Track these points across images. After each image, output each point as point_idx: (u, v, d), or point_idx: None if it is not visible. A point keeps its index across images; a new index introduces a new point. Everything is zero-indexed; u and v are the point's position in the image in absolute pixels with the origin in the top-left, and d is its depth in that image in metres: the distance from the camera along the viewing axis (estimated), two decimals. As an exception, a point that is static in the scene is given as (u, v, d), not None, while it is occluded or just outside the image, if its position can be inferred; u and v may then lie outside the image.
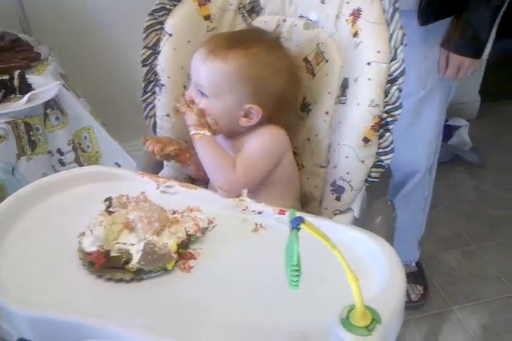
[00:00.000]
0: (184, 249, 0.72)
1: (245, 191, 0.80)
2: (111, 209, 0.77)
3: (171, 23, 0.89)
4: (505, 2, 1.08)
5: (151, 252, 0.68)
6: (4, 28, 1.58)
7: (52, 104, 1.32)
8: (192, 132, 0.83)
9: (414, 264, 1.57)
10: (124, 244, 0.70)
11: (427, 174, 1.37)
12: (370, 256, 0.68)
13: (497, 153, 2.22)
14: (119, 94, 1.93)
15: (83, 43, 1.82)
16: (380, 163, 0.82)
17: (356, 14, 0.81)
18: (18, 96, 1.28)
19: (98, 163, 1.49)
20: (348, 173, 0.83)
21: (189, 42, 0.90)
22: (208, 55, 0.82)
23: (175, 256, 0.69)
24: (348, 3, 0.84)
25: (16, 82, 1.29)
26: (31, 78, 1.32)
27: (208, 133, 0.83)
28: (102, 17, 1.80)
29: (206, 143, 0.83)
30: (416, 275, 1.59)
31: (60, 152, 1.37)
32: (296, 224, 0.47)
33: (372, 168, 0.82)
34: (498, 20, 1.09)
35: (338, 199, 0.85)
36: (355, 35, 0.81)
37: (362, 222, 0.87)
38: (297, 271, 0.49)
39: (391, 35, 0.77)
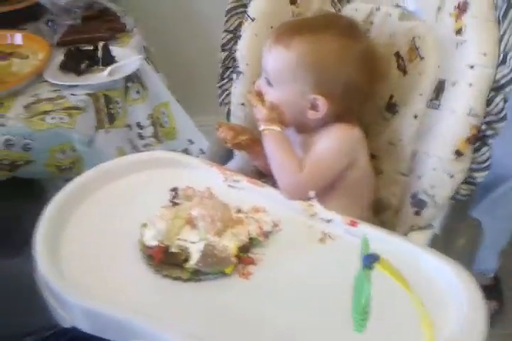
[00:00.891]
0: (244, 253, 0.69)
1: (313, 194, 0.76)
2: (176, 201, 0.76)
3: (255, 7, 0.84)
4: None
5: (211, 254, 0.66)
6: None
7: (134, 78, 1.33)
8: (261, 127, 0.79)
9: (491, 276, 1.46)
10: (185, 240, 0.68)
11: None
12: (448, 289, 0.61)
13: None
14: (197, 69, 1.92)
15: (168, 15, 1.81)
16: (471, 180, 0.74)
17: (462, 8, 0.71)
18: (100, 67, 1.29)
19: (174, 138, 1.50)
20: (433, 187, 0.75)
21: (272, 28, 0.85)
22: (274, 41, 0.78)
23: (234, 260, 0.67)
24: (453, -7, 0.73)
25: (99, 53, 1.30)
26: (115, 50, 1.33)
27: (277, 128, 0.79)
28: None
29: (275, 139, 0.79)
30: (491, 289, 1.47)
31: (139, 126, 1.38)
32: (369, 262, 0.42)
33: (462, 184, 0.74)
34: None
35: (417, 213, 0.78)
36: (459, 32, 0.71)
37: (443, 239, 0.80)
38: (365, 313, 0.44)
39: (502, 36, 0.67)
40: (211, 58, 1.84)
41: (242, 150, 0.89)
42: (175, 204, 0.75)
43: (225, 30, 0.87)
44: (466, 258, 0.79)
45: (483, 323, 0.57)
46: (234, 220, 0.71)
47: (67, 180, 1.19)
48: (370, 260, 0.43)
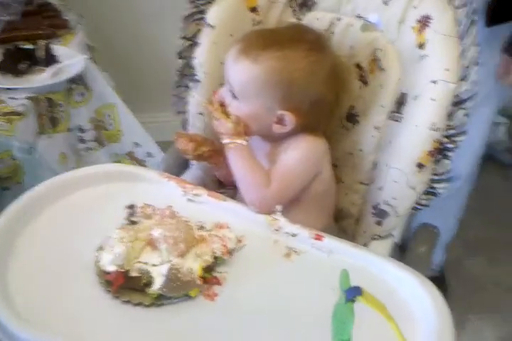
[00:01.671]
0: (209, 273, 0.66)
1: (279, 207, 0.74)
2: (133, 219, 0.72)
3: (213, 14, 0.81)
4: None
5: (175, 278, 0.62)
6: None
7: (77, 79, 1.26)
8: (226, 140, 0.76)
9: (439, 269, 1.52)
10: (146, 263, 0.65)
11: (466, 183, 1.29)
12: (415, 301, 0.62)
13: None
14: (144, 68, 1.86)
15: (111, 11, 1.73)
16: (432, 191, 0.75)
17: (424, 22, 0.71)
18: (41, 68, 1.21)
19: (119, 141, 1.44)
20: (394, 199, 0.76)
21: (231, 35, 0.82)
22: (240, 53, 0.75)
23: (199, 282, 0.64)
24: (415, 7, 0.74)
25: (40, 53, 1.22)
26: (57, 49, 1.25)
27: (243, 142, 0.76)
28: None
29: (240, 154, 0.77)
30: (436, 280, 1.53)
31: (80, 129, 1.32)
32: (352, 295, 0.40)
33: (423, 194, 0.75)
34: None
35: (379, 223, 0.79)
36: (421, 46, 0.71)
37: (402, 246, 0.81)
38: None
39: (463, 52, 0.68)
40: (155, 54, 1.81)
41: (203, 161, 0.86)
42: (132, 222, 0.71)
43: (183, 37, 0.83)
44: (425, 264, 0.80)
45: (451, 335, 0.58)
46: (197, 239, 0.68)
47: (5, 189, 1.14)
48: (353, 294, 0.42)
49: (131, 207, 0.73)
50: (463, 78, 0.68)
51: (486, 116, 1.15)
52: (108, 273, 0.63)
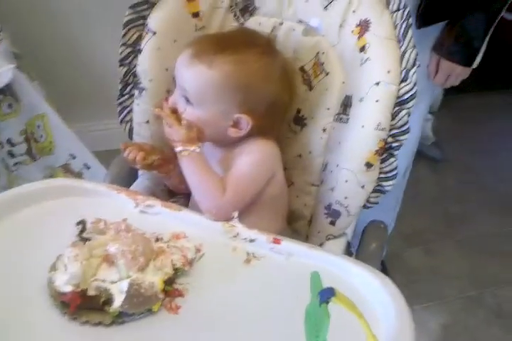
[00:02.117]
0: (170, 286, 0.65)
1: (236, 214, 0.74)
2: (84, 235, 0.69)
3: (155, 19, 0.79)
4: (502, 11, 1.04)
5: (137, 294, 0.60)
6: None
7: (5, 90, 1.19)
8: (179, 148, 0.75)
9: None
10: (103, 281, 0.62)
11: (403, 177, 1.35)
12: (375, 300, 0.63)
13: (459, 147, 2.25)
14: (77, 75, 1.79)
15: (37, 15, 1.65)
16: (380, 188, 0.77)
17: (364, 26, 0.74)
18: (-37, 80, 1.13)
19: (51, 153, 1.37)
20: (346, 198, 0.78)
21: (175, 41, 0.81)
22: (193, 58, 0.74)
23: (161, 296, 0.62)
24: (354, 12, 0.76)
25: (-39, 63, 1.14)
26: (-21, 58, 1.17)
27: (197, 149, 0.75)
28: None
29: (194, 161, 0.75)
30: (381, 273, 1.59)
31: (10, 143, 1.25)
32: (326, 297, 0.41)
33: (371, 193, 0.77)
34: (491, 30, 1.06)
35: (332, 223, 0.81)
36: (362, 49, 0.74)
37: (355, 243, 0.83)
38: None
39: (403, 54, 0.71)
40: (89, 60, 1.75)
41: (152, 171, 0.83)
42: (83, 239, 0.68)
43: (123, 44, 0.80)
44: (378, 260, 0.83)
45: (412, 334, 0.60)
46: (155, 251, 0.66)
47: None
48: (327, 296, 0.42)
49: (82, 222, 0.70)
50: (404, 79, 0.71)
51: (419, 114, 1.20)
52: (64, 293, 0.60)
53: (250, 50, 0.76)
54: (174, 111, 0.76)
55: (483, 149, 2.26)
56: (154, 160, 0.79)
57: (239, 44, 0.76)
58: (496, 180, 2.08)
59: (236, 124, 0.77)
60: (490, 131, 2.39)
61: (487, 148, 2.27)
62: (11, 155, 1.26)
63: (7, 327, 0.59)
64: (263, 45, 0.78)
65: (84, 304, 0.60)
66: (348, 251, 0.87)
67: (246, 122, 0.76)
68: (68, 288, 0.60)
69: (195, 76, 0.74)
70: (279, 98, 0.78)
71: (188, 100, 0.76)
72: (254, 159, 0.77)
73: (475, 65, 1.11)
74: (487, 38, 1.07)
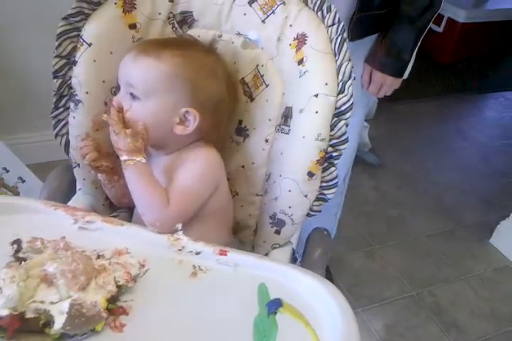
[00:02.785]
0: (114, 304, 0.63)
1: (180, 226, 0.73)
2: (20, 255, 0.66)
3: (90, 31, 0.77)
4: (429, 24, 1.10)
5: (79, 315, 0.58)
6: None
7: None
8: (123, 157, 0.73)
9: (323, 268, 1.61)
10: (42, 302, 0.60)
11: (343, 183, 1.39)
12: (322, 305, 0.64)
13: (394, 153, 2.35)
14: (9, 85, 1.71)
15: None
16: (322, 197, 0.79)
17: (301, 39, 0.76)
18: None
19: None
20: (290, 207, 0.79)
21: (112, 53, 0.79)
22: (139, 55, 0.74)
23: (105, 314, 0.60)
24: (291, 25, 0.78)
25: None
26: None
27: (143, 160, 0.73)
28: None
29: (139, 172, 0.73)
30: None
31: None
32: (274, 308, 0.41)
33: (314, 201, 0.79)
34: (419, 42, 1.11)
35: (277, 232, 0.82)
36: (300, 62, 0.76)
37: (298, 250, 0.85)
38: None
39: (339, 67, 0.73)
40: (9, 72, 1.67)
41: (97, 173, 0.81)
42: (19, 259, 0.65)
43: (57, 56, 0.77)
44: (322, 267, 0.84)
45: (357, 335, 0.62)
46: (97, 269, 0.64)
47: None
48: (274, 307, 0.43)
49: (17, 242, 0.67)
50: (341, 91, 0.73)
51: (356, 123, 1.24)
52: (0, 318, 0.57)
53: (195, 48, 0.78)
54: (120, 111, 0.74)
55: (417, 155, 2.37)
56: (103, 166, 0.77)
57: (183, 43, 0.79)
58: (428, 183, 2.19)
59: (182, 121, 0.76)
60: (422, 137, 2.51)
61: (420, 154, 2.39)
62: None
63: None
64: (205, 47, 0.80)
65: (23, 327, 0.58)
66: (293, 258, 0.88)
67: (193, 117, 0.75)
68: (5, 312, 0.57)
69: (142, 69, 0.74)
70: (223, 98, 0.79)
71: (134, 96, 0.74)
72: (197, 169, 0.77)
73: (405, 75, 1.16)
74: (415, 50, 1.13)
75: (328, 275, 1.65)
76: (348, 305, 0.64)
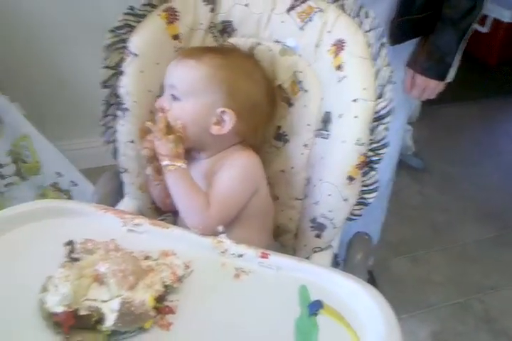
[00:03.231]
0: (161, 303, 0.66)
1: (221, 228, 0.75)
2: (73, 256, 0.70)
3: (136, 42, 0.81)
4: (472, 26, 1.08)
5: (128, 312, 0.61)
6: None
7: (-13, 113, 1.19)
8: (165, 162, 0.76)
9: (367, 272, 1.59)
10: (94, 300, 0.63)
11: (386, 188, 1.38)
12: (364, 309, 0.64)
13: (438, 156, 2.30)
14: (61, 94, 1.80)
15: (17, 38, 1.66)
16: (363, 201, 0.80)
17: (339, 45, 0.77)
18: None
19: (39, 173, 1.38)
20: (330, 211, 0.80)
21: (158, 64, 0.83)
22: (183, 57, 0.80)
23: (153, 313, 0.63)
24: (329, 32, 0.79)
25: None
26: (-39, 83, 1.17)
27: (184, 165, 0.76)
28: (38, 9, 1.64)
29: (180, 176, 0.77)
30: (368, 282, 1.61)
31: (-1, 165, 1.25)
32: (314, 309, 0.43)
33: (355, 205, 0.79)
34: (464, 45, 1.10)
35: (318, 236, 0.82)
36: (339, 68, 0.77)
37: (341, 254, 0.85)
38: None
39: (378, 72, 0.74)
40: (63, 81, 1.76)
41: (149, 163, 0.82)
42: (73, 259, 0.69)
43: (106, 67, 0.82)
44: (363, 271, 0.85)
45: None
46: (145, 270, 0.67)
47: None
48: (315, 308, 0.44)
49: (70, 243, 0.71)
50: (380, 96, 0.74)
51: (398, 126, 1.24)
52: (56, 314, 0.61)
53: (235, 53, 0.82)
54: (162, 111, 0.79)
55: (462, 158, 2.31)
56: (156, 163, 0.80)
57: (224, 49, 0.83)
58: (474, 187, 2.13)
59: (219, 122, 0.79)
60: (467, 140, 2.45)
61: (465, 157, 2.32)
62: (1, 176, 1.26)
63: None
64: (245, 53, 0.84)
65: (77, 324, 0.61)
66: (335, 262, 0.89)
67: (229, 118, 0.78)
68: (60, 309, 0.61)
69: (183, 70, 0.79)
70: (261, 101, 0.81)
71: (175, 97, 0.78)
72: (237, 172, 0.79)
73: (449, 78, 1.15)
74: (459, 53, 1.11)
75: (371, 280, 1.64)
76: (390, 310, 0.63)
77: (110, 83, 0.83)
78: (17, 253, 0.71)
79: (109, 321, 0.60)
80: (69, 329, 0.60)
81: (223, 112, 0.78)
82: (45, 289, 0.64)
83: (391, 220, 1.90)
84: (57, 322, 0.61)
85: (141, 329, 0.62)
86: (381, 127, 0.75)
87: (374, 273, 1.66)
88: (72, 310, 0.61)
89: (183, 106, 0.78)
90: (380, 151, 0.76)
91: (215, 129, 0.79)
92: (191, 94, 0.78)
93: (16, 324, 0.62)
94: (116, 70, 0.82)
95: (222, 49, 0.83)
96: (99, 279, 0.64)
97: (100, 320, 0.61)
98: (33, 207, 0.79)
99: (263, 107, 0.81)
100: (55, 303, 0.61)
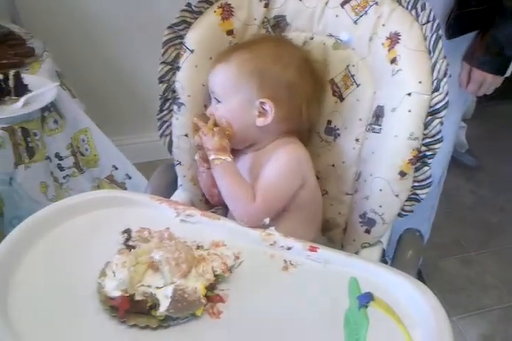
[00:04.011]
0: (212, 292, 0.68)
1: (267, 220, 0.76)
2: (130, 243, 0.73)
3: (192, 38, 0.83)
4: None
5: (181, 299, 0.63)
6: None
7: (50, 107, 1.25)
8: (212, 157, 0.78)
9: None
10: (149, 286, 0.65)
11: (437, 185, 1.35)
12: (414, 306, 0.64)
13: (493, 155, 2.22)
14: (117, 91, 1.86)
15: (77, 35, 1.73)
16: (415, 197, 0.78)
17: (394, 39, 0.76)
18: (13, 98, 1.20)
19: (97, 166, 1.43)
20: (380, 206, 0.79)
21: (211, 58, 0.85)
22: (215, 62, 0.83)
23: (204, 301, 0.65)
24: (384, 25, 0.78)
25: (11, 83, 1.21)
26: (26, 77, 1.24)
27: (229, 158, 0.78)
28: (99, 6, 1.70)
29: (226, 170, 0.78)
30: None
31: (58, 156, 1.31)
32: (365, 301, 0.43)
33: (406, 201, 0.78)
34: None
35: (367, 232, 0.82)
36: (393, 61, 0.76)
37: (388, 253, 0.84)
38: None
39: (434, 65, 0.72)
40: (120, 77, 1.82)
41: (200, 159, 0.85)
42: (129, 247, 0.72)
43: (163, 62, 0.84)
44: (414, 268, 0.83)
45: (450, 339, 0.61)
46: (197, 259, 0.69)
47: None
48: (365, 300, 0.44)
49: (127, 231, 0.74)
50: (436, 89, 0.73)
51: (453, 122, 1.21)
52: (113, 298, 0.64)
53: (262, 43, 0.83)
54: (215, 124, 0.81)
55: (518, 157, 2.23)
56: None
57: (251, 41, 0.85)
58: (531, 188, 2.05)
59: (262, 113, 0.80)
60: (524, 139, 2.35)
61: (521, 156, 2.24)
62: (60, 168, 1.32)
63: (60, 329, 0.62)
64: (274, 38, 0.86)
65: (132, 308, 0.64)
66: (383, 261, 0.88)
67: (269, 106, 0.79)
68: (117, 293, 0.64)
69: (216, 74, 0.82)
70: (295, 82, 0.80)
71: (218, 100, 0.82)
72: (283, 164, 0.79)
73: (508, 73, 1.11)
74: (518, 47, 1.07)
75: (421, 280, 1.60)
76: (442, 309, 0.63)
77: (167, 78, 0.86)
78: (79, 239, 0.75)
79: (163, 307, 0.63)
80: (124, 313, 0.63)
81: (262, 103, 0.80)
82: (103, 274, 0.67)
83: (442, 219, 1.86)
84: (114, 306, 0.64)
85: (193, 316, 0.64)
86: (436, 121, 0.73)
87: (423, 273, 1.63)
88: (128, 295, 0.64)
89: (226, 106, 0.81)
90: (434, 146, 0.75)
91: (260, 121, 0.80)
92: (228, 94, 0.81)
93: (75, 305, 0.65)
94: (173, 66, 0.85)
95: (250, 42, 0.85)
96: (153, 266, 0.67)
97: (154, 305, 0.64)
98: (95, 195, 0.83)
99: (298, 87, 0.81)
100: (113, 288, 0.64)
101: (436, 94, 0.73)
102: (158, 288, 0.65)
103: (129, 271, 0.65)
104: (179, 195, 0.93)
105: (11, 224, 1.11)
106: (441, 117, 0.73)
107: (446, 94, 0.72)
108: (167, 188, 0.95)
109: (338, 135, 0.87)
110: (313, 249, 0.73)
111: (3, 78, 1.20)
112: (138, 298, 0.64)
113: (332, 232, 0.92)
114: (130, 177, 1.46)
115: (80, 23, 1.72)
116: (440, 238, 1.79)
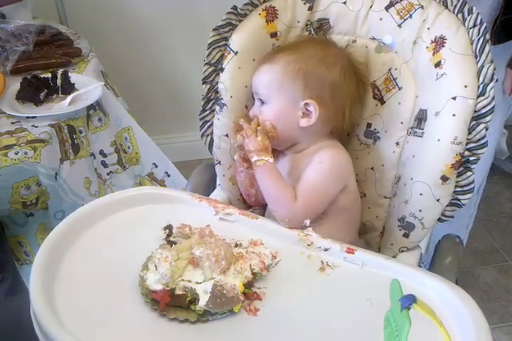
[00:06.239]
0: (250, 289, 0.69)
1: (308, 222, 0.77)
2: (171, 239, 0.75)
3: (236, 40, 0.85)
4: None
5: (220, 295, 0.65)
6: (42, 18, 1.55)
7: (95, 105, 1.29)
8: (254, 158, 0.79)
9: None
10: (189, 281, 0.67)
11: (476, 192, 1.32)
12: (452, 311, 0.64)
13: (534, 163, 2.16)
14: (159, 91, 1.91)
15: (119, 36, 1.78)
16: (456, 202, 0.77)
17: (439, 42, 0.75)
18: (60, 96, 1.24)
19: (138, 163, 1.47)
20: (420, 211, 0.78)
21: (254, 60, 0.86)
22: (260, 64, 0.84)
23: (242, 298, 0.66)
24: (429, 29, 0.78)
25: (58, 82, 1.25)
26: (73, 76, 1.28)
27: (271, 159, 0.79)
28: (142, 8, 1.74)
29: (268, 171, 0.79)
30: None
31: (102, 154, 1.35)
32: (407, 303, 0.43)
33: (447, 206, 0.78)
34: None
35: (406, 236, 0.81)
36: (438, 65, 0.75)
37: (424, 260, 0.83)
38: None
39: (480, 69, 0.71)
40: (162, 77, 1.86)
41: (240, 159, 0.86)
42: (170, 242, 0.74)
43: (207, 63, 0.86)
44: (453, 274, 0.82)
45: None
46: (235, 256, 0.71)
47: (29, 215, 1.16)
48: (408, 302, 0.44)
49: (169, 227, 0.76)
50: (481, 94, 0.72)
51: (495, 128, 1.18)
52: (154, 291, 0.66)
53: (306, 44, 0.84)
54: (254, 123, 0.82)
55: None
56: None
57: (296, 43, 0.86)
58: None
59: (306, 114, 0.81)
60: None
61: None
62: (104, 165, 1.36)
63: (101, 318, 0.65)
64: (318, 40, 0.87)
65: (172, 302, 0.66)
66: (419, 266, 0.87)
67: (314, 108, 0.80)
68: (159, 287, 0.66)
69: (261, 75, 0.84)
70: (338, 82, 0.81)
71: (262, 102, 0.83)
72: (325, 167, 0.80)
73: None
74: None
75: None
76: (481, 315, 0.62)
77: (210, 79, 0.87)
78: (123, 233, 0.77)
79: (202, 302, 0.64)
80: (165, 306, 0.65)
81: (307, 104, 0.81)
82: (145, 268, 0.69)
83: (480, 227, 1.82)
84: (155, 299, 0.66)
85: (231, 312, 0.66)
86: (481, 126, 0.72)
87: (458, 280, 1.59)
88: (169, 288, 0.66)
89: (269, 108, 0.82)
90: (478, 151, 0.74)
91: (303, 122, 0.81)
92: (272, 95, 0.82)
93: (118, 297, 0.68)
94: (216, 67, 0.87)
95: (295, 43, 0.86)
96: (194, 262, 0.68)
97: (194, 300, 0.66)
98: (139, 192, 0.85)
99: (342, 87, 0.82)
100: (154, 281, 0.66)
101: (482, 98, 0.72)
102: (198, 283, 0.67)
103: (171, 265, 0.67)
104: (217, 194, 0.95)
105: (55, 217, 1.15)
106: (486, 122, 0.72)
107: (493, 99, 0.71)
108: (206, 187, 0.96)
109: (378, 138, 0.87)
110: (350, 251, 0.74)
111: (51, 77, 1.24)
112: (178, 292, 0.66)
113: (368, 235, 0.92)
114: (169, 175, 1.49)
115: (124, 25, 1.77)
116: (477, 246, 1.76)
